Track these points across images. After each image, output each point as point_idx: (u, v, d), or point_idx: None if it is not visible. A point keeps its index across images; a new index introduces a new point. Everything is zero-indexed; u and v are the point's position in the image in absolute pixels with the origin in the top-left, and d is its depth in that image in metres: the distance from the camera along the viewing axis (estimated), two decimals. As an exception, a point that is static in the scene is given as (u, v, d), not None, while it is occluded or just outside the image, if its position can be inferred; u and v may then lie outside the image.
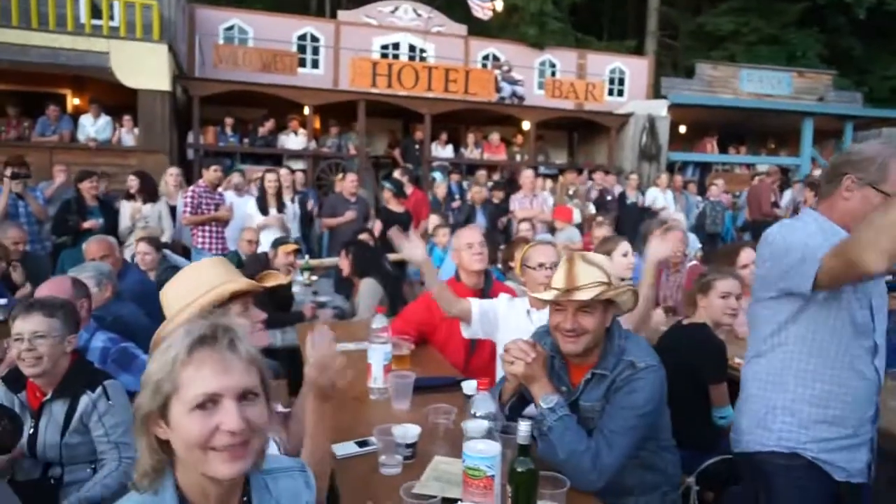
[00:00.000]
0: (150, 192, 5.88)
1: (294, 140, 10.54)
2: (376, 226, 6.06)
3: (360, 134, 10.75)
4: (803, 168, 13.00)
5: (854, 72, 19.02)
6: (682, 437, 2.01)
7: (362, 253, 4.11)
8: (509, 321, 2.61)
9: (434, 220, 5.86)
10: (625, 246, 3.28)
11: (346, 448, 1.80)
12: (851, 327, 1.63)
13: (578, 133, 13.70)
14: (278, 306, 3.83)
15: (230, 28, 12.33)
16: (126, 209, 5.76)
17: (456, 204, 7.56)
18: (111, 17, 8.99)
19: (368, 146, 12.41)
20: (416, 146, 11.06)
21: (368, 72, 10.64)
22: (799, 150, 13.34)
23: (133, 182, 5.83)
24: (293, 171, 6.32)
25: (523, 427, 1.43)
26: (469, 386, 2.11)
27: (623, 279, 2.31)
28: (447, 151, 11.19)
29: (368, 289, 3.81)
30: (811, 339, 1.65)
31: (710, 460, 2.32)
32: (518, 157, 11.45)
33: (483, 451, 1.45)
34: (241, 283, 1.60)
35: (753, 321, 1.82)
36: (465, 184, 9.32)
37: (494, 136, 11.23)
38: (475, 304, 2.64)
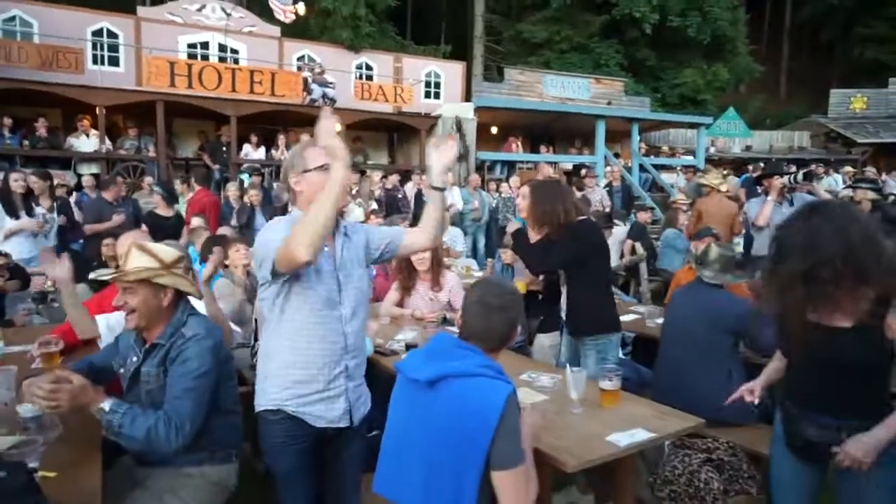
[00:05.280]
0: None
1: (85, 142, 9.96)
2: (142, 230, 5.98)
3: (159, 135, 10.37)
4: (599, 165, 14.49)
5: (650, 80, 21.42)
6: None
7: (74, 261, 4.10)
8: None
9: (196, 222, 5.90)
10: None
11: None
12: (318, 301, 2.01)
13: (398, 135, 14.20)
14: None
15: (11, 20, 11.31)
16: None
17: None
18: None
19: (177, 147, 12.03)
20: (224, 148, 10.92)
21: (166, 71, 10.30)
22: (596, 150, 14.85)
23: None
24: (48, 178, 6.00)
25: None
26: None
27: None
28: (259, 153, 11.14)
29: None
30: (288, 314, 2.02)
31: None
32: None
33: None
34: None
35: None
36: (276, 185, 9.37)
37: (305, 137, 11.34)
38: (100, 321, 2.73)
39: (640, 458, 2.52)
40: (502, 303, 1.88)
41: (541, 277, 3.61)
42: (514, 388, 1.77)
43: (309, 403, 2.03)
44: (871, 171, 13.10)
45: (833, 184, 13.29)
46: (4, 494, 1.36)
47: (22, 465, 1.49)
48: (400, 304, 4.03)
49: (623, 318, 3.58)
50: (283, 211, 6.47)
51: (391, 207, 8.58)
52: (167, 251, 2.14)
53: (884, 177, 13.23)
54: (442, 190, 2.23)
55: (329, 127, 1.92)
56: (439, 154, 2.22)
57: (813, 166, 11.85)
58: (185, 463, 2.17)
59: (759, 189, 5.79)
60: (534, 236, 3.36)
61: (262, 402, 2.08)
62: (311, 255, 1.80)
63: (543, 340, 3.31)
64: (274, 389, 2.06)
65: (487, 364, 1.80)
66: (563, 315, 3.25)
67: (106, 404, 1.92)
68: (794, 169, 8.36)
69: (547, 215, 3.05)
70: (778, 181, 5.20)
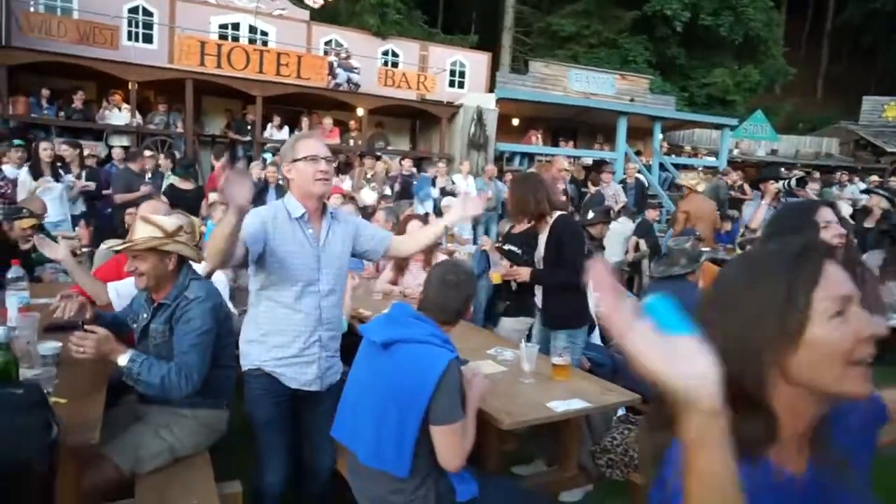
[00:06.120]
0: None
1: (117, 115, 10.41)
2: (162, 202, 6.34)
3: (187, 112, 10.77)
4: (619, 161, 14.54)
5: (679, 78, 21.26)
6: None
7: (105, 227, 4.47)
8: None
9: (213, 196, 6.25)
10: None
11: None
12: (297, 276, 2.28)
13: (420, 122, 14.44)
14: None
15: (52, -6, 11.80)
16: None
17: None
18: None
19: (204, 125, 12.44)
20: (248, 127, 11.29)
21: (196, 51, 10.68)
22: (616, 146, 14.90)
23: None
24: (77, 147, 6.40)
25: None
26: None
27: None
28: (283, 134, 11.48)
29: (99, 256, 4.19)
30: (270, 286, 2.30)
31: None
32: (352, 142, 11.97)
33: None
34: None
35: None
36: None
37: (328, 121, 11.65)
38: (110, 289, 3.00)
39: (588, 429, 2.76)
40: (458, 281, 2.14)
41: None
42: (456, 355, 2.03)
43: (284, 366, 2.33)
44: (895, 182, 12.96)
45: (857, 192, 13.20)
46: (21, 406, 1.67)
47: (36, 385, 1.80)
48: (394, 281, 4.31)
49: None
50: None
51: (405, 192, 8.85)
52: (169, 221, 2.43)
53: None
54: (449, 230, 2.52)
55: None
56: (464, 207, 2.52)
57: (806, 173, 11.74)
58: (181, 404, 2.47)
59: (756, 192, 5.92)
60: (517, 227, 3.61)
61: (245, 362, 2.39)
62: (213, 265, 2.11)
63: (508, 324, 3.54)
64: (255, 352, 2.36)
65: (436, 334, 2.06)
66: (539, 305, 3.48)
67: (126, 355, 2.23)
68: (805, 174, 8.38)
69: (522, 204, 3.30)
70: (773, 186, 5.34)
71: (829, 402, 0.83)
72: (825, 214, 2.04)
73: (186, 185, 6.64)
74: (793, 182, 5.35)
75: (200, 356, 2.32)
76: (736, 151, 17.22)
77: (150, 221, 2.37)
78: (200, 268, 2.99)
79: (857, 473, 0.86)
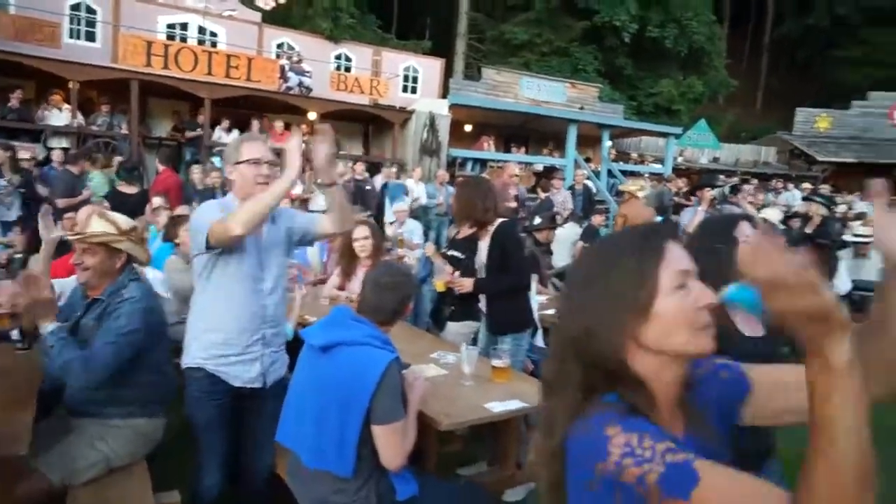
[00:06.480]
0: None
1: (57, 116, 10.05)
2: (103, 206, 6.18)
3: (132, 113, 10.48)
4: (569, 168, 14.85)
5: (627, 87, 21.88)
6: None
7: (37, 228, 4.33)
8: None
9: (157, 201, 6.10)
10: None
11: None
12: (242, 275, 2.29)
13: (373, 127, 14.43)
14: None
15: (-12, -11, 11.30)
16: None
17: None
18: None
19: (150, 127, 12.13)
20: (198, 130, 11.06)
21: (142, 50, 10.43)
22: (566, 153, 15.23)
23: None
24: (9, 149, 6.15)
25: None
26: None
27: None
28: (231, 137, 11.29)
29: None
30: (214, 283, 2.31)
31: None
32: (303, 147, 11.84)
33: None
34: None
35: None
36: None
37: (279, 124, 11.52)
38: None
39: (527, 429, 2.84)
40: (394, 283, 2.19)
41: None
42: (396, 356, 2.07)
43: (227, 364, 2.31)
44: (825, 189, 13.67)
45: (791, 199, 13.87)
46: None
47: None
48: (341, 287, 4.31)
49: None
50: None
51: (359, 198, 8.83)
52: (123, 219, 2.43)
53: (849, 196, 13.77)
54: (328, 185, 2.36)
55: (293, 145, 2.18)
56: (316, 149, 2.32)
57: (744, 180, 12.30)
58: (114, 415, 2.44)
59: (693, 198, 6.17)
60: (462, 232, 3.67)
61: (187, 360, 2.36)
62: (244, 231, 2.10)
63: (454, 328, 3.60)
64: (197, 350, 2.34)
65: (375, 335, 2.10)
66: (484, 311, 3.54)
67: (52, 325, 2.21)
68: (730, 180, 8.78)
69: (468, 209, 3.35)
70: (708, 193, 5.58)
71: (684, 366, 0.92)
72: (744, 229, 2.17)
73: (130, 189, 6.48)
74: (727, 189, 5.61)
75: (114, 356, 2.27)
76: (680, 159, 17.82)
77: (106, 217, 2.36)
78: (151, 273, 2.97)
79: (720, 440, 0.95)
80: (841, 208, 10.55)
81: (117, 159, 9.06)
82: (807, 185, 14.42)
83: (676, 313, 0.87)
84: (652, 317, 0.87)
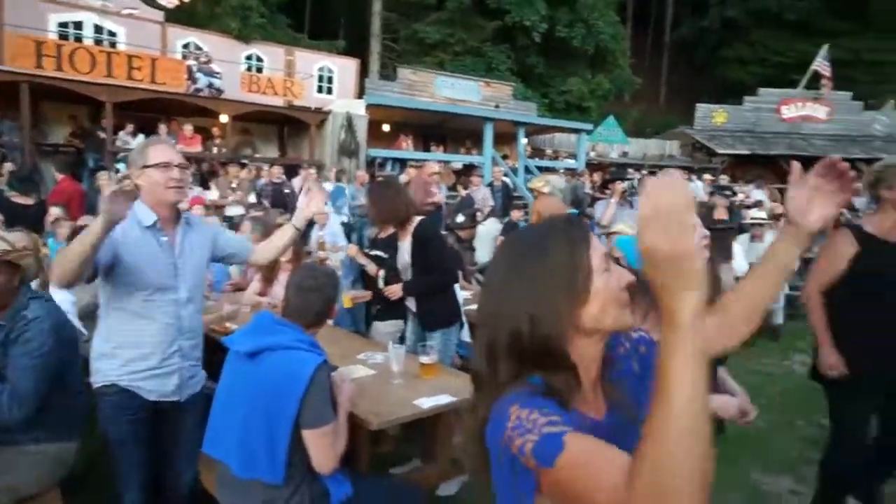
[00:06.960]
0: None
1: (-65, 123, 9.22)
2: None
3: (23, 119, 9.74)
4: (487, 165, 15.10)
5: (539, 85, 22.47)
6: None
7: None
8: None
9: (55, 212, 5.73)
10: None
11: None
12: (149, 286, 2.20)
13: (289, 128, 14.11)
14: None
15: None
16: None
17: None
18: None
19: (46, 133, 11.33)
20: (100, 135, 10.43)
21: (32, 51, 9.72)
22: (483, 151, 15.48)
23: None
24: None
25: None
26: None
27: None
28: (137, 142, 10.73)
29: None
30: (118, 298, 2.19)
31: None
32: (216, 150, 11.45)
33: None
34: None
35: None
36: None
37: (188, 128, 11.06)
38: None
39: (459, 423, 2.89)
40: (317, 284, 2.17)
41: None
42: (324, 359, 2.06)
43: (142, 379, 2.22)
44: (724, 179, 14.62)
45: (695, 189, 14.73)
46: None
47: None
48: (262, 293, 4.21)
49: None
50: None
51: (278, 201, 8.62)
52: (16, 235, 2.27)
53: (746, 186, 14.77)
54: (299, 231, 2.55)
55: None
56: (309, 201, 2.52)
57: (652, 172, 12.96)
58: (25, 441, 2.28)
59: (606, 192, 6.45)
60: (383, 232, 3.68)
61: (98, 378, 2.25)
62: (60, 283, 2.00)
63: (381, 327, 3.61)
64: (108, 367, 2.23)
65: (301, 339, 2.08)
66: (413, 309, 3.55)
67: None
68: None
69: (390, 212, 3.36)
70: (620, 185, 5.85)
71: (604, 345, 0.97)
72: None
73: (26, 200, 6.03)
74: (636, 182, 5.90)
75: (38, 379, 2.17)
76: (592, 154, 18.53)
77: None
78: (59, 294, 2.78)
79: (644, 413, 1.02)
80: (739, 197, 11.34)
81: (7, 167, 8.40)
82: (708, 177, 15.31)
83: (608, 293, 0.93)
84: (591, 298, 0.92)
